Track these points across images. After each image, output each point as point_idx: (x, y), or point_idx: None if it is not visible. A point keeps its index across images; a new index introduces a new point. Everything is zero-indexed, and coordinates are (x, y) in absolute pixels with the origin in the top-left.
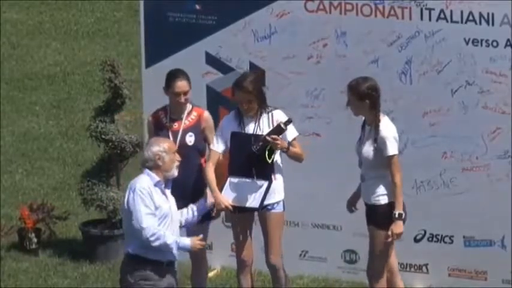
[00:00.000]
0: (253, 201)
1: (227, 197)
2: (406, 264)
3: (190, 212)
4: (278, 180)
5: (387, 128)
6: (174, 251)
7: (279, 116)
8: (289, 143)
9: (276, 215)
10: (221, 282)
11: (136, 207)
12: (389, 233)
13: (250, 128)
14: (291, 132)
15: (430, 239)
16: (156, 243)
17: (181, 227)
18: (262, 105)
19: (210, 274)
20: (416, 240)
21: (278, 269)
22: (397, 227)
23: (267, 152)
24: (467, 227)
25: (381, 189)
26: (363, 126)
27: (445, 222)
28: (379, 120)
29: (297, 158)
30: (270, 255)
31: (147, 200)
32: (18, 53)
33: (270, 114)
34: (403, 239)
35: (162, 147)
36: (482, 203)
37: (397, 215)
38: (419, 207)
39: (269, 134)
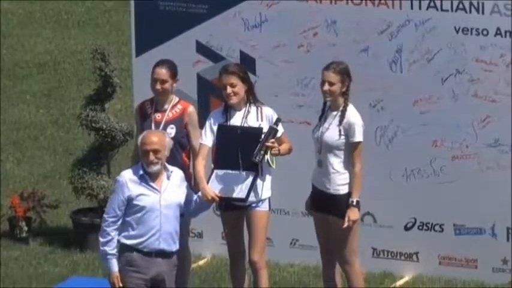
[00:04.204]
0: (240, 192)
1: (213, 188)
2: (396, 253)
3: (189, 204)
4: (266, 179)
5: (355, 114)
6: (102, 258)
7: (268, 112)
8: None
9: (261, 213)
10: (211, 271)
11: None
12: (346, 219)
13: (237, 121)
14: (279, 130)
15: (421, 227)
16: (100, 238)
17: (182, 216)
18: (249, 95)
19: (200, 263)
20: (406, 229)
21: (260, 268)
22: (354, 213)
23: (268, 159)
24: (457, 215)
25: (342, 179)
26: (323, 113)
27: (435, 211)
28: (347, 105)
29: (288, 152)
30: (252, 253)
31: (118, 190)
32: (8, 42)
33: (259, 108)
34: (394, 227)
35: (139, 140)
36: (473, 191)
37: (355, 203)
38: (410, 196)
39: (266, 139)
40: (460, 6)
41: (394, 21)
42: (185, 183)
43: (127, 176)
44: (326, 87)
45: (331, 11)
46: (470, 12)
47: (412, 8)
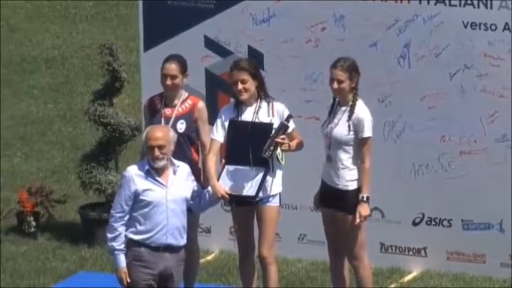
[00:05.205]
0: (249, 189)
1: (224, 185)
2: (405, 248)
3: (197, 198)
4: (276, 174)
5: (364, 110)
6: (109, 253)
7: (279, 107)
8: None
9: (271, 209)
10: (219, 266)
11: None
12: (357, 215)
13: (248, 116)
14: (290, 126)
15: (429, 222)
16: (108, 233)
17: (190, 211)
18: (260, 91)
19: (209, 258)
20: (414, 224)
21: (269, 263)
22: (365, 209)
23: (278, 155)
24: (465, 210)
25: (351, 175)
26: (332, 108)
27: (443, 206)
28: (356, 100)
29: (300, 148)
30: (262, 248)
31: (125, 186)
32: (16, 36)
33: (270, 104)
34: (402, 222)
35: (143, 136)
36: (481, 187)
37: (365, 198)
38: (418, 191)
39: (276, 135)
40: (468, 1)
41: (402, 16)
42: (191, 178)
43: (133, 171)
44: (335, 85)
45: (339, 5)
46: (479, 7)
47: (420, 3)
